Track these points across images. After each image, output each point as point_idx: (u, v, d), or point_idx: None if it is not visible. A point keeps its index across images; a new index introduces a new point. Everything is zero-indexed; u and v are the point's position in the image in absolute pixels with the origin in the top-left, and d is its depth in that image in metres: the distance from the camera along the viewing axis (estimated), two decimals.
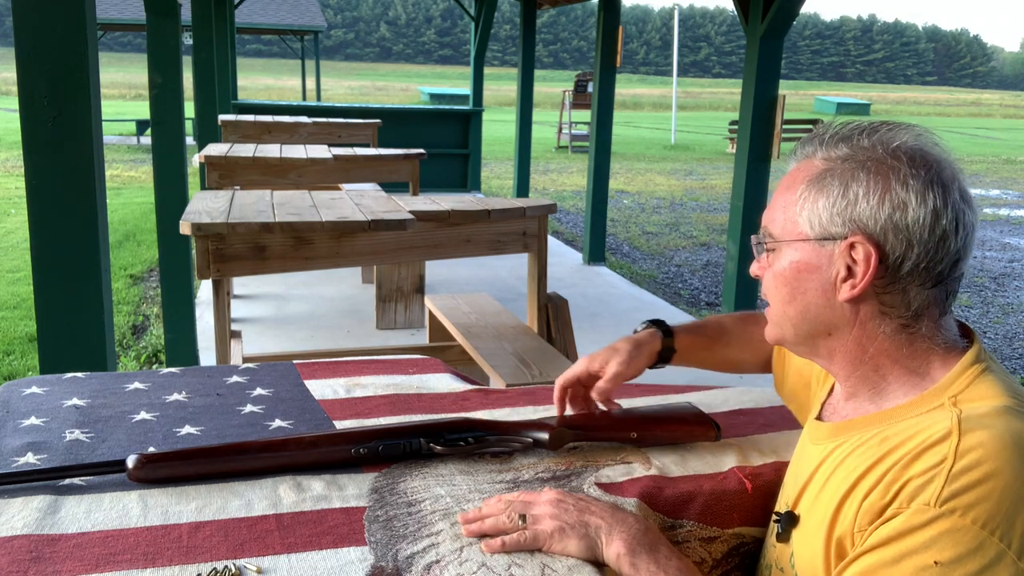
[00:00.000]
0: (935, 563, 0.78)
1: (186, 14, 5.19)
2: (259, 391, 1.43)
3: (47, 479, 1.06)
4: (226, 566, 0.92)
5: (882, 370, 0.95)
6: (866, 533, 0.84)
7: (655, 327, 1.30)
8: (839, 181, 0.92)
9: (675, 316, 5.74)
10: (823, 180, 0.94)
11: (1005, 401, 0.87)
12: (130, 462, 1.06)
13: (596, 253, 7.15)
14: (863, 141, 0.94)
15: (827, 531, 0.90)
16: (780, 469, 1.17)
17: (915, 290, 0.91)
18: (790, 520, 0.99)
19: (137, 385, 1.42)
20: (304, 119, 6.66)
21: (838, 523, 0.90)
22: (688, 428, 1.25)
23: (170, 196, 4.03)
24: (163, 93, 3.95)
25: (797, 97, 41.32)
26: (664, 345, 1.28)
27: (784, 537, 1.00)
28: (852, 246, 0.91)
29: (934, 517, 0.79)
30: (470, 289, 5.68)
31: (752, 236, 1.04)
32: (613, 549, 0.96)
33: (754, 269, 1.05)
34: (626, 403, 1.33)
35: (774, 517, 1.04)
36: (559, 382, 1.27)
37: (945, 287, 0.92)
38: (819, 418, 1.06)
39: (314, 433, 1.17)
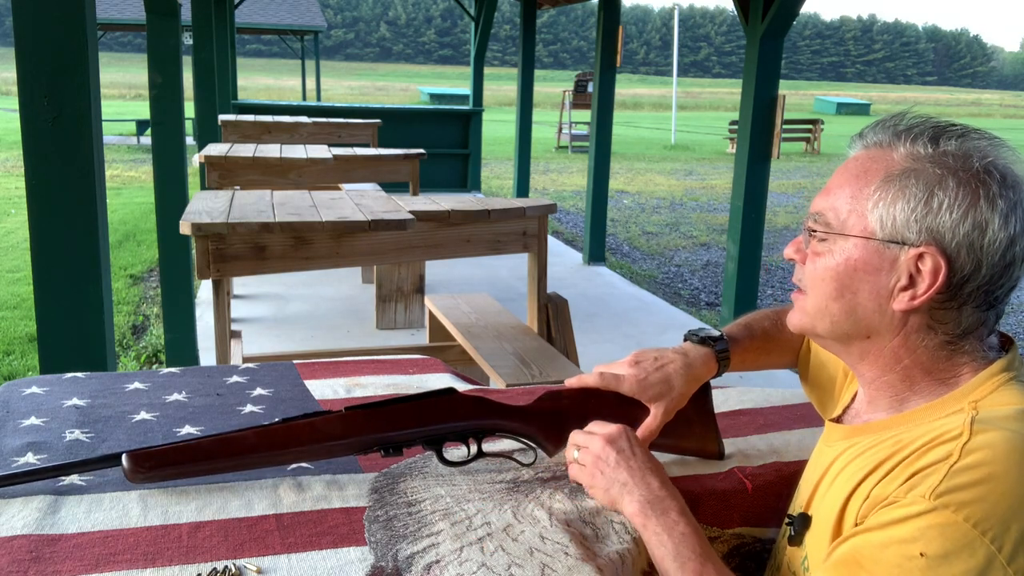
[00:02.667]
0: (921, 555, 0.76)
1: (186, 14, 5.19)
2: (259, 391, 1.43)
3: (43, 478, 1.05)
4: (226, 566, 0.92)
5: (910, 380, 0.92)
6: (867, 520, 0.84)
7: (710, 348, 1.18)
8: (924, 185, 0.86)
9: (675, 316, 5.74)
10: (906, 180, 0.87)
11: None
12: (124, 461, 1.03)
13: (596, 253, 7.15)
14: (951, 145, 0.88)
15: (834, 527, 0.90)
16: (780, 469, 1.17)
17: (969, 310, 0.88)
18: (803, 522, 0.98)
19: (137, 385, 1.42)
20: (304, 119, 6.66)
21: (845, 518, 0.89)
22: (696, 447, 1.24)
23: (170, 196, 4.03)
24: (163, 93, 3.95)
25: (797, 97, 41.31)
26: (718, 372, 1.19)
27: (797, 540, 0.99)
28: (921, 256, 0.86)
29: (926, 509, 0.78)
30: (470, 289, 5.68)
31: (811, 215, 0.96)
32: (628, 508, 1.01)
33: (790, 252, 0.99)
34: None
35: (786, 520, 1.03)
36: (594, 381, 1.18)
37: (996, 310, 0.90)
38: (838, 421, 1.04)
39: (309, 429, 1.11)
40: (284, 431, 1.08)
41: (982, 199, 0.85)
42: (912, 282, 0.87)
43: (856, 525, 0.86)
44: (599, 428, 1.09)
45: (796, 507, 1.04)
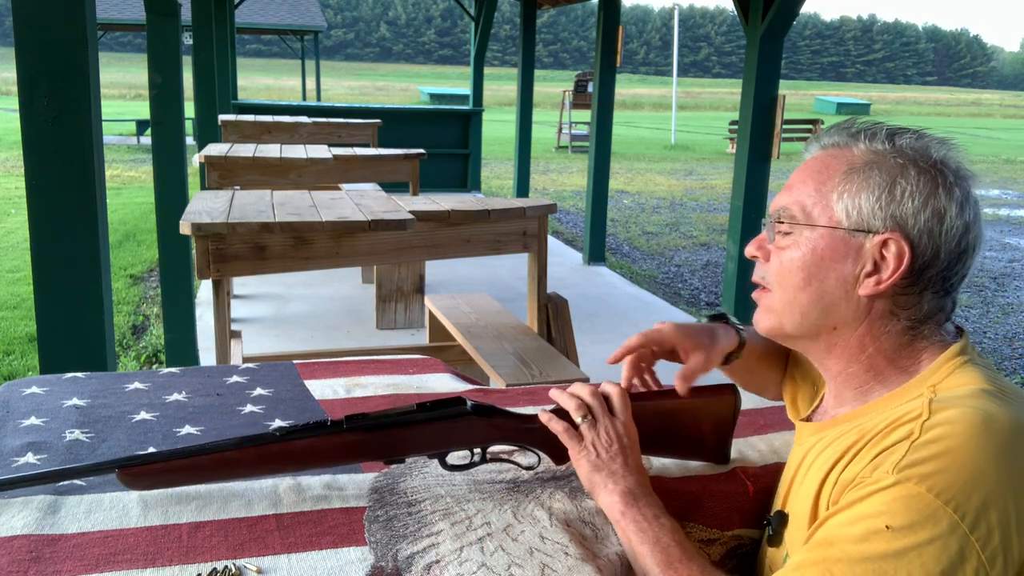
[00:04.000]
0: (887, 527, 0.78)
1: (186, 14, 5.18)
2: (259, 391, 1.43)
3: (40, 483, 1.04)
4: (226, 566, 0.92)
5: (874, 369, 0.95)
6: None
7: (727, 324, 1.19)
8: (887, 174, 0.91)
9: (675, 316, 5.74)
10: (869, 171, 0.92)
11: (984, 385, 0.88)
12: (117, 477, 1.01)
13: (596, 253, 7.15)
14: (909, 141, 0.93)
15: (810, 518, 0.92)
16: (780, 470, 1.17)
17: (929, 295, 0.92)
18: (780, 520, 1.00)
19: (137, 385, 1.42)
20: (304, 119, 6.66)
21: (819, 507, 0.91)
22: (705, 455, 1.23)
23: (170, 196, 4.03)
24: (163, 93, 3.95)
25: (797, 97, 41.31)
26: (736, 349, 1.18)
27: (776, 540, 1.01)
28: (886, 242, 0.90)
29: (890, 484, 0.80)
30: (470, 289, 5.68)
31: (775, 211, 0.99)
32: (607, 496, 1.02)
33: (752, 249, 1.01)
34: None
35: (764, 521, 1.04)
36: (637, 340, 1.16)
37: (952, 297, 0.94)
38: (808, 420, 1.07)
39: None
40: (282, 453, 1.04)
41: (940, 188, 0.90)
42: (877, 268, 0.91)
43: (830, 508, 0.88)
44: (620, 408, 1.09)
45: (774, 509, 1.06)
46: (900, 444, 0.83)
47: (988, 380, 0.89)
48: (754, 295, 1.02)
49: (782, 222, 0.97)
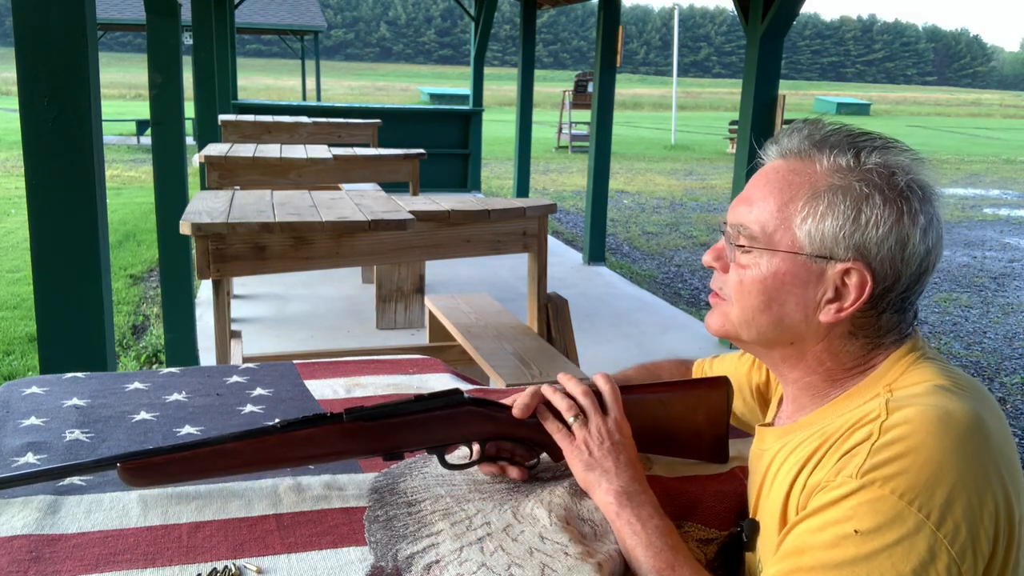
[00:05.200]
0: (855, 532, 0.79)
1: (186, 14, 5.19)
2: (259, 391, 1.43)
3: (41, 481, 1.05)
4: (226, 566, 0.92)
5: (831, 378, 0.96)
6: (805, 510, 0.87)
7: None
8: (852, 202, 0.88)
9: (675, 316, 5.74)
10: (833, 196, 0.89)
11: (938, 381, 0.88)
12: (118, 473, 1.01)
13: (596, 253, 7.16)
14: (873, 159, 0.90)
15: (779, 524, 0.92)
16: None
17: (888, 315, 0.92)
18: (752, 528, 1.01)
19: (137, 385, 1.42)
20: (304, 119, 6.66)
21: (788, 513, 0.91)
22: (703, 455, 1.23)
23: (170, 196, 4.03)
24: (163, 93, 3.95)
25: (797, 97, 41.32)
26: None
27: (750, 546, 1.02)
28: (848, 271, 0.89)
29: (855, 488, 0.81)
30: (470, 289, 5.68)
31: (724, 227, 0.98)
32: (602, 495, 1.02)
33: (710, 260, 1.00)
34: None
35: (737, 527, 1.05)
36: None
37: (912, 311, 0.94)
38: (768, 426, 1.07)
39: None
40: (281, 443, 1.04)
41: (905, 215, 0.88)
42: (838, 295, 0.91)
43: (799, 513, 0.88)
44: (611, 404, 1.08)
45: (750, 515, 1.06)
46: (861, 447, 0.83)
47: (942, 375, 0.89)
48: (711, 299, 1.02)
49: (741, 243, 0.95)
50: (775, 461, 0.98)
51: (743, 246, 0.95)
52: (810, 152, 0.93)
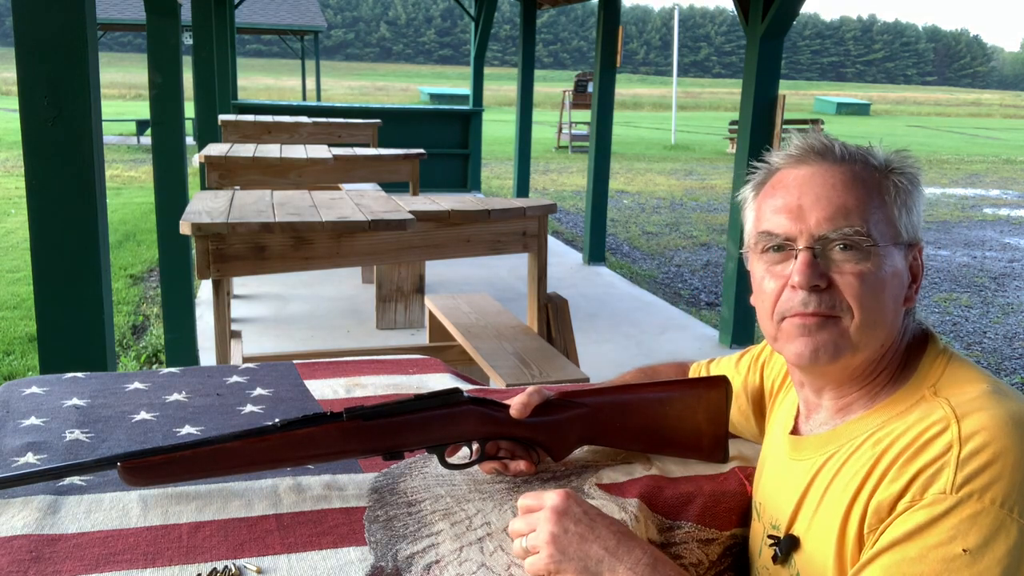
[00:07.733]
0: (964, 551, 0.77)
1: (186, 14, 5.19)
2: (259, 391, 1.43)
3: (41, 480, 1.05)
4: (226, 566, 0.92)
5: (881, 373, 0.95)
6: (878, 532, 0.84)
7: None
8: (914, 191, 0.96)
9: (675, 316, 5.74)
10: (902, 189, 0.95)
11: (985, 385, 0.89)
12: (119, 472, 1.01)
13: (596, 253, 7.15)
14: (879, 154, 0.97)
15: (837, 543, 0.89)
16: None
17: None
18: (791, 543, 0.96)
19: (137, 385, 1.42)
20: (304, 119, 6.66)
21: (848, 531, 0.88)
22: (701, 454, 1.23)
23: (170, 196, 4.04)
24: (163, 93, 3.95)
25: (797, 97, 41.30)
26: None
27: (783, 560, 0.98)
28: (919, 251, 0.97)
29: (953, 504, 0.79)
30: (470, 289, 5.68)
31: (839, 232, 0.91)
32: (624, 572, 0.89)
33: (813, 279, 0.91)
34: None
35: (768, 541, 1.01)
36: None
37: None
38: (796, 433, 1.03)
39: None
40: (281, 443, 1.04)
41: (921, 196, 0.99)
42: (915, 277, 0.97)
43: (863, 534, 0.86)
44: (536, 501, 0.96)
45: (768, 525, 1.03)
46: (943, 460, 0.82)
47: (982, 377, 0.91)
48: (812, 322, 0.93)
49: (861, 243, 0.91)
50: (822, 474, 0.94)
51: (860, 249, 0.91)
52: (852, 155, 0.97)
